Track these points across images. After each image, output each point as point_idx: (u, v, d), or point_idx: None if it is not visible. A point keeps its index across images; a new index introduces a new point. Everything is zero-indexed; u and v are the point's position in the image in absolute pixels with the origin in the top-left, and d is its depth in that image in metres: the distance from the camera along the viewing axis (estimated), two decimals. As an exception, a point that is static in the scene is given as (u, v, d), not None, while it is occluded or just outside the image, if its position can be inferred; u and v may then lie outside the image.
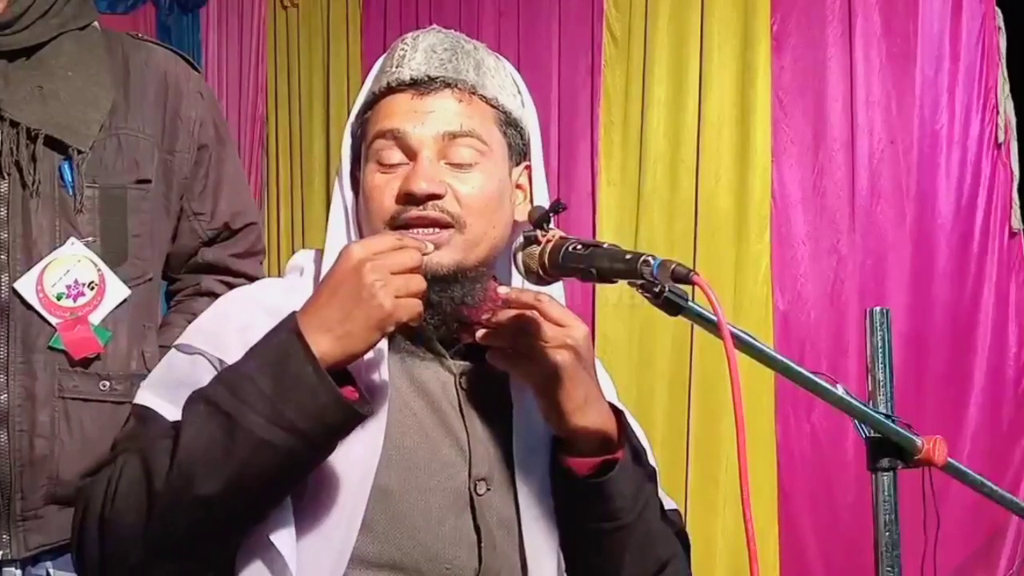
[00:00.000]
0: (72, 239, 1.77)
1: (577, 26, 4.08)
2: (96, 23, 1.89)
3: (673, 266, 1.17)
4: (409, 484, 1.32)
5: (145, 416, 1.30)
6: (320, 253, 1.43)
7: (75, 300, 1.76)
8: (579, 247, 1.26)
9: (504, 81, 1.43)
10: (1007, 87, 3.55)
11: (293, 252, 4.57)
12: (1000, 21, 3.55)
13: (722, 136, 3.82)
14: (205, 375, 1.28)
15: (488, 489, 1.36)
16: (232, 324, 1.33)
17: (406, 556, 1.31)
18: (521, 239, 1.32)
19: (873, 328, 1.36)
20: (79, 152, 1.77)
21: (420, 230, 1.33)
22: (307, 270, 1.43)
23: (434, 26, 1.45)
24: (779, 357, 1.29)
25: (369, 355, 1.29)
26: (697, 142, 3.84)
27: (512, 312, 1.30)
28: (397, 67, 1.38)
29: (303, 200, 4.54)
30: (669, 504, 1.49)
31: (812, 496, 3.68)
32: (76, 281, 1.77)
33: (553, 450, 1.37)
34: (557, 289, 1.40)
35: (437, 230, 1.33)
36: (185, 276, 2.01)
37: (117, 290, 1.81)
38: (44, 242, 1.76)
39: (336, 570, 1.27)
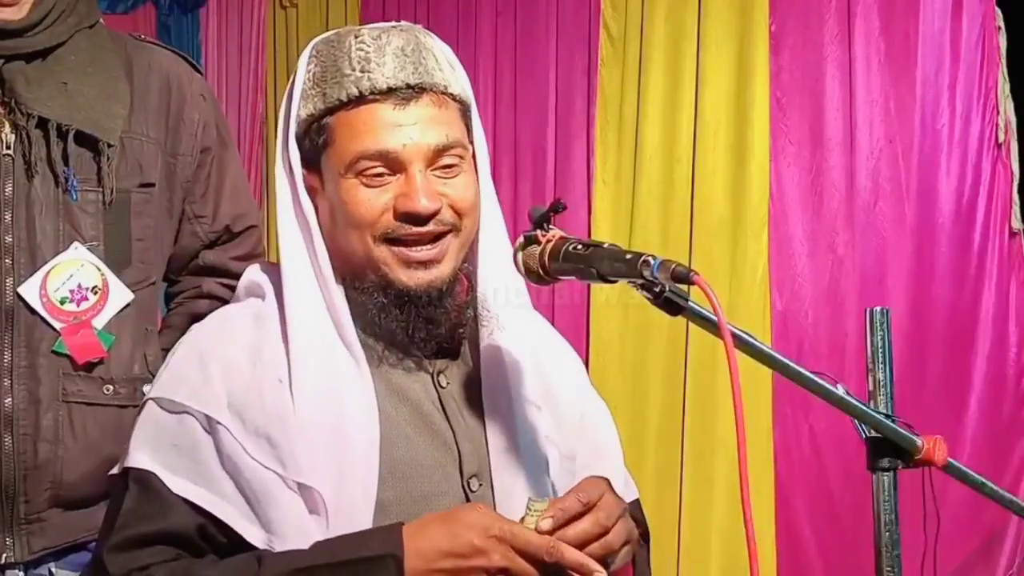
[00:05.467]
0: (76, 243, 1.77)
1: (574, 25, 4.08)
2: (101, 20, 1.89)
3: (673, 266, 1.17)
4: (406, 495, 1.33)
5: (148, 486, 1.30)
6: (276, 269, 1.41)
7: (78, 305, 1.76)
8: (579, 247, 1.26)
9: (449, 65, 1.39)
10: (1007, 87, 3.54)
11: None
12: (1000, 21, 3.55)
13: (719, 136, 3.82)
14: (200, 436, 1.29)
15: (480, 485, 1.37)
16: (213, 369, 1.32)
17: None
18: (521, 239, 1.33)
19: (873, 328, 1.36)
20: (109, 146, 1.76)
21: (420, 248, 1.33)
22: (268, 292, 1.40)
23: (393, 23, 1.40)
24: (779, 357, 1.28)
25: (353, 373, 1.31)
26: (693, 142, 3.84)
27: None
28: (363, 71, 1.32)
29: (302, 199, 4.54)
30: (632, 494, 1.51)
31: (811, 496, 3.68)
32: (79, 286, 1.76)
33: None
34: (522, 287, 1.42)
35: (435, 244, 1.33)
36: (185, 278, 2.00)
37: (120, 294, 1.81)
38: (48, 246, 1.75)
39: None
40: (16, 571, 1.75)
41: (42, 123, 1.74)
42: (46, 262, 1.75)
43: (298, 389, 1.30)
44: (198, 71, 1.98)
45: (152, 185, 1.85)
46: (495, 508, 1.35)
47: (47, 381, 1.74)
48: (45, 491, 1.74)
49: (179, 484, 1.28)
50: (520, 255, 1.32)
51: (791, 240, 3.73)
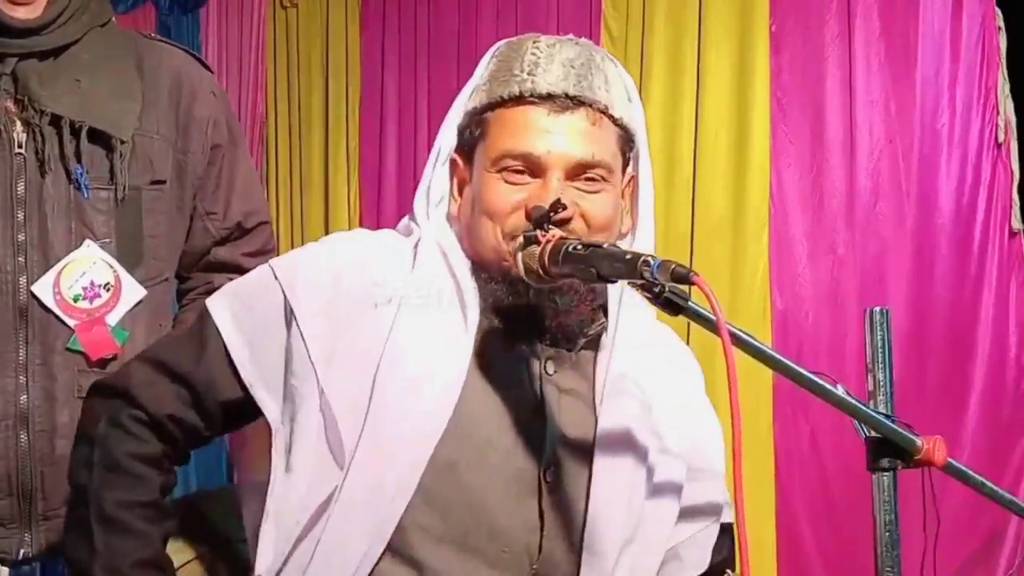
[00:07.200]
0: (88, 241, 1.78)
1: (574, 25, 4.07)
2: (114, 19, 1.90)
3: (673, 266, 1.18)
4: (477, 460, 1.34)
5: (204, 324, 1.41)
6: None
7: (91, 302, 1.77)
8: (579, 247, 1.27)
9: (623, 92, 1.43)
10: (1007, 87, 3.54)
11: (292, 249, 4.59)
12: (1000, 21, 3.55)
13: (719, 136, 3.81)
14: (273, 302, 1.37)
15: (558, 476, 1.37)
16: (325, 277, 1.38)
17: (467, 531, 1.33)
18: (521, 239, 1.33)
19: (873, 328, 1.36)
20: (122, 142, 1.77)
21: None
22: (410, 241, 1.44)
23: (571, 36, 1.45)
24: (779, 357, 1.29)
25: (457, 330, 1.34)
26: (694, 142, 3.84)
27: None
28: (529, 75, 1.37)
29: (302, 198, 4.55)
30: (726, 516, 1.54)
31: (811, 496, 3.67)
32: (92, 283, 1.78)
33: None
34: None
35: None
36: (197, 275, 2.01)
37: (133, 291, 1.82)
38: (60, 244, 1.77)
39: (382, 535, 1.29)
40: (33, 566, 1.78)
41: (55, 120, 1.75)
42: (59, 260, 1.76)
43: (396, 331, 1.34)
44: (208, 69, 2.00)
45: (163, 182, 1.86)
46: (586, 498, 1.37)
47: (62, 378, 1.76)
48: (62, 488, 1.74)
49: (230, 327, 1.37)
50: (520, 255, 1.32)
51: (791, 240, 3.73)
